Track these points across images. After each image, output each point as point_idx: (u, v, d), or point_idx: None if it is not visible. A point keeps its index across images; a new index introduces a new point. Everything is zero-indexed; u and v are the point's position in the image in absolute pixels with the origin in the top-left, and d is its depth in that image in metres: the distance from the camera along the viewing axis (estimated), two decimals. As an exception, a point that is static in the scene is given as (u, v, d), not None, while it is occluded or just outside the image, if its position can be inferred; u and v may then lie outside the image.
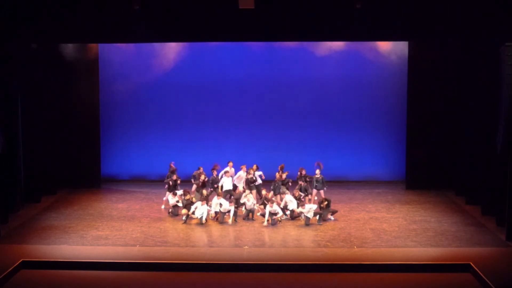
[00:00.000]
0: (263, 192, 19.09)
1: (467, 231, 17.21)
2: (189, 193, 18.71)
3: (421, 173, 22.20)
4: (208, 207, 18.10)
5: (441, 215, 18.87)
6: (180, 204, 18.65)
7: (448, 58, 21.43)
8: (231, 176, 19.91)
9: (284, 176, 19.69)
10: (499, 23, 16.74)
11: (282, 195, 19.01)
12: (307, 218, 17.72)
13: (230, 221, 17.95)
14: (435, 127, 21.98)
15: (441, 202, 20.55)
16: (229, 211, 18.09)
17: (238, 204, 18.76)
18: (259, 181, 20.05)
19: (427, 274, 14.33)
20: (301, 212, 17.88)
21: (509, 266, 14.44)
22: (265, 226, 17.62)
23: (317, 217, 17.81)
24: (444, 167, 22.06)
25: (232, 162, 20.33)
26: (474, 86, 19.73)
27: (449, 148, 21.85)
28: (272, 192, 19.34)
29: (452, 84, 21.60)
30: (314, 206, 17.99)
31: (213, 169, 20.09)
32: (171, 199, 18.88)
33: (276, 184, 19.46)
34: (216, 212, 18.19)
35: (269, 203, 17.93)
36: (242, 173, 19.91)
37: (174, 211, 18.69)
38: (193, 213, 17.91)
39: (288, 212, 18.32)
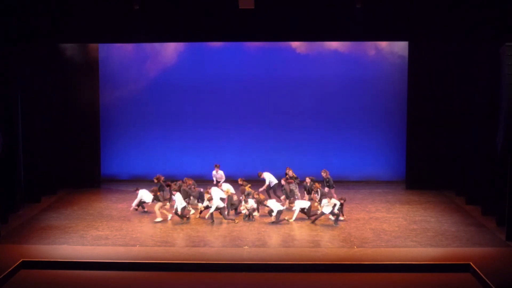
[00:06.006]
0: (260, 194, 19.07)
1: (467, 231, 17.20)
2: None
3: (421, 173, 22.20)
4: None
5: (441, 215, 18.87)
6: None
7: (448, 58, 21.43)
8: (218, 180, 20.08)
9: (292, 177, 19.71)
10: (499, 23, 16.76)
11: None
12: (322, 213, 17.78)
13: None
14: (435, 127, 21.97)
15: (441, 202, 20.55)
16: (219, 208, 18.04)
17: (234, 207, 18.70)
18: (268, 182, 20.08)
19: (427, 274, 14.32)
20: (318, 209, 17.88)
21: (509, 266, 14.43)
22: (265, 226, 17.62)
23: (333, 218, 17.82)
24: (444, 167, 22.05)
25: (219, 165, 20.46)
26: (474, 86, 19.73)
27: (449, 148, 21.83)
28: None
29: (452, 84, 21.59)
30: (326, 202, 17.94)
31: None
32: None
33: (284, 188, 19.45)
34: (206, 207, 18.28)
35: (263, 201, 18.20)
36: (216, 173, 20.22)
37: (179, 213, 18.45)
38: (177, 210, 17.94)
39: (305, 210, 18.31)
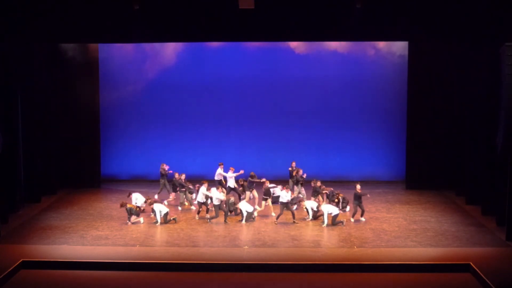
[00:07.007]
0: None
1: (467, 231, 17.20)
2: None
3: (421, 173, 22.20)
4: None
5: (441, 215, 18.87)
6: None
7: (448, 58, 21.43)
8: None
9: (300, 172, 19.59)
10: (499, 23, 16.77)
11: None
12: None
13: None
14: (435, 127, 21.96)
15: (441, 202, 20.56)
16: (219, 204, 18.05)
17: (233, 208, 18.66)
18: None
19: (427, 274, 14.33)
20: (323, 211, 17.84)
21: (509, 266, 14.44)
22: (265, 226, 17.62)
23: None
24: (444, 167, 22.05)
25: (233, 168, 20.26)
26: (474, 86, 19.73)
27: (449, 148, 21.84)
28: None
29: (452, 84, 21.59)
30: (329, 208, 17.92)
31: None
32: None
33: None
34: (200, 203, 18.29)
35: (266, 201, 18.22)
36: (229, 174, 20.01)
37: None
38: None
39: (311, 213, 18.30)
